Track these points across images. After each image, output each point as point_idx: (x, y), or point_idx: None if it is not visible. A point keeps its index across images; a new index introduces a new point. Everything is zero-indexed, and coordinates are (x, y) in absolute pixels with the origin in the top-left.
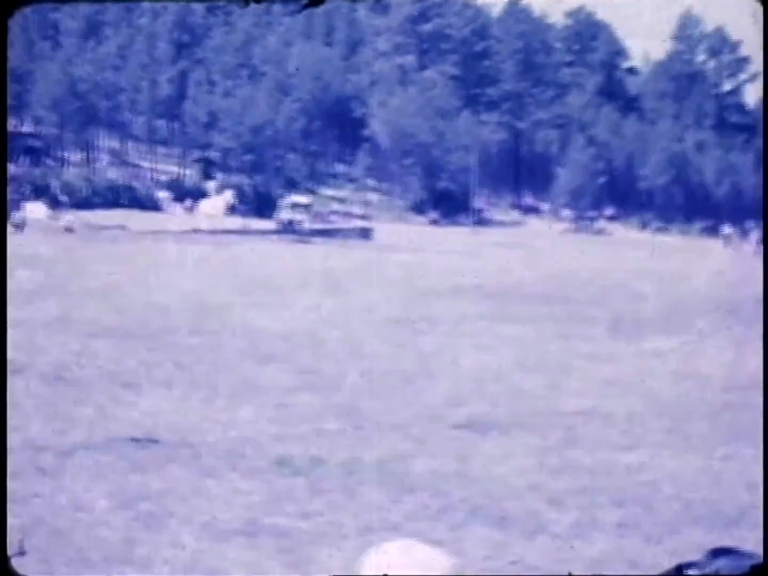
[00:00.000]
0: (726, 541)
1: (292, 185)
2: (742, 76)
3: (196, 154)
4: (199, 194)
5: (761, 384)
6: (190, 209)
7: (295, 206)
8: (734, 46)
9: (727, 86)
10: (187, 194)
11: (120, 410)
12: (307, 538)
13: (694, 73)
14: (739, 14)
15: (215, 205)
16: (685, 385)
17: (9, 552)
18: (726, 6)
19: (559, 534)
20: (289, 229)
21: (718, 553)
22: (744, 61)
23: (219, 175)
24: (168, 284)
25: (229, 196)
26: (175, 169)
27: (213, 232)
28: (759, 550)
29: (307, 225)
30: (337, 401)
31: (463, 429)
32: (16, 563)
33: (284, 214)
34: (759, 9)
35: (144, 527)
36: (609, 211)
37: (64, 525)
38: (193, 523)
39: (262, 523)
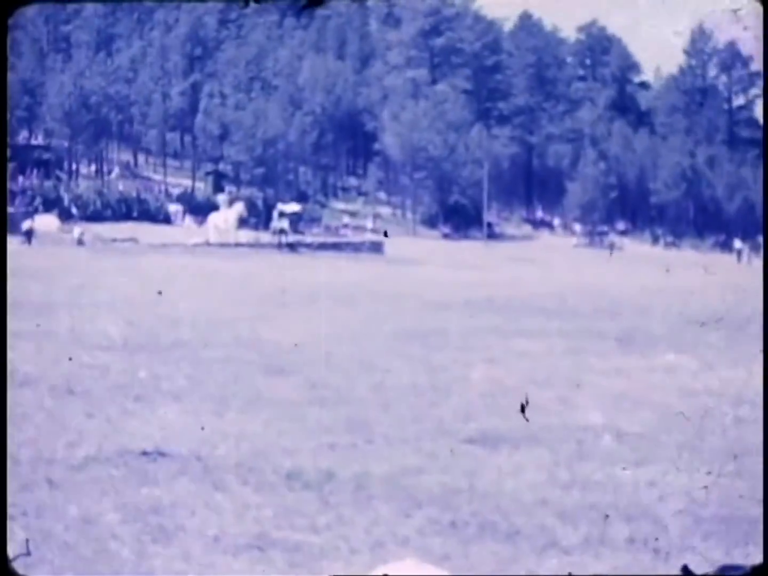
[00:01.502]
0: (736, 558)
1: (303, 198)
2: (754, 91)
3: (208, 167)
4: (211, 207)
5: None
6: (202, 222)
7: (282, 215)
8: (746, 61)
9: (738, 101)
10: (198, 207)
11: (131, 423)
12: (318, 552)
13: (706, 88)
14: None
15: (227, 217)
16: (696, 400)
17: (10, 553)
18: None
19: (569, 549)
20: (281, 240)
21: (726, 569)
22: (756, 75)
23: (230, 188)
24: (179, 297)
25: (241, 207)
26: (186, 182)
27: (224, 245)
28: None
29: (291, 237)
30: (347, 415)
31: (474, 443)
32: (21, 563)
33: (274, 223)
34: (759, 9)
35: (154, 540)
36: (620, 225)
37: (73, 538)
38: (204, 536)
39: (273, 537)
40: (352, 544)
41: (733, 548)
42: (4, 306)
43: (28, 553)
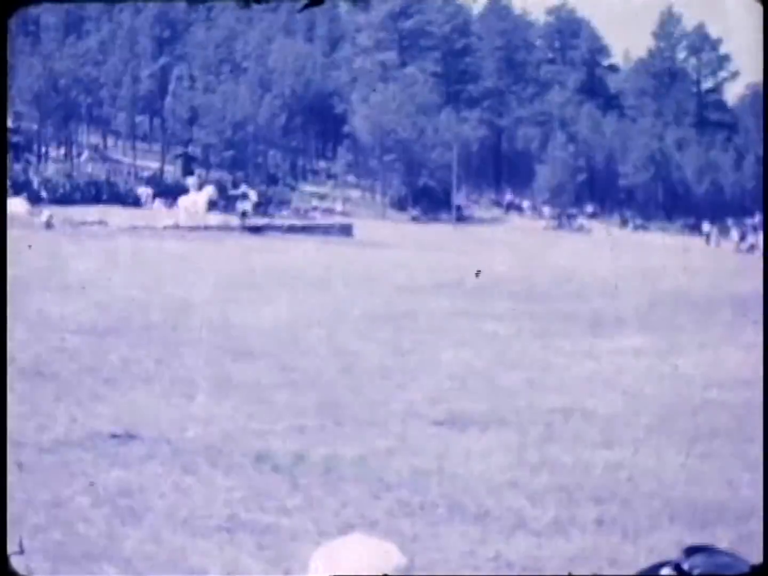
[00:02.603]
0: (704, 539)
1: (272, 181)
2: (723, 74)
3: (177, 149)
4: (180, 190)
5: (740, 381)
6: (171, 205)
7: (244, 196)
8: (715, 44)
9: (707, 84)
10: (167, 190)
11: (100, 406)
12: (287, 535)
13: (675, 71)
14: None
15: (196, 200)
16: (664, 382)
17: (9, 551)
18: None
19: (537, 531)
20: (243, 223)
21: (693, 550)
22: (725, 59)
23: (199, 171)
24: (148, 280)
25: (210, 191)
26: (155, 164)
27: (194, 228)
28: (734, 547)
29: (260, 220)
30: (317, 397)
31: (443, 425)
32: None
33: (237, 205)
34: (759, 9)
35: (123, 523)
36: (589, 208)
37: (43, 521)
38: (173, 519)
39: (242, 519)
40: (321, 527)
41: (701, 530)
42: (5, 302)
43: (22, 552)
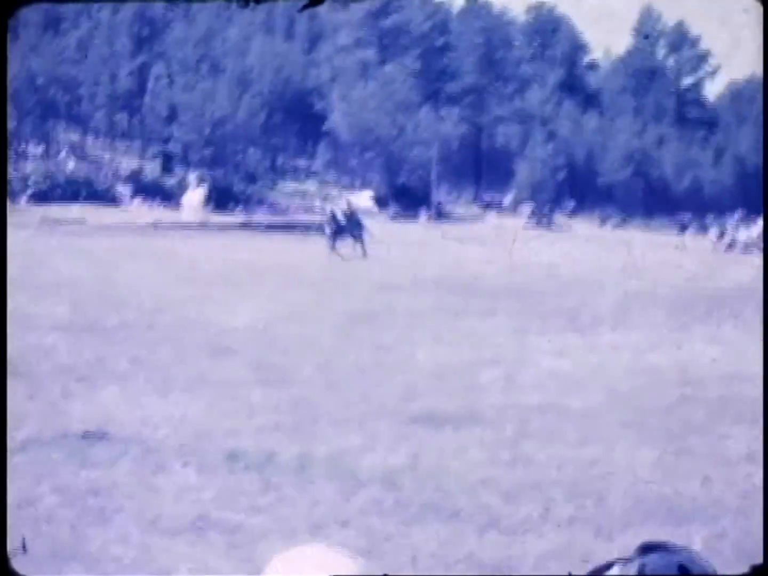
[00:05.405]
0: (678, 536)
1: (251, 179)
2: (702, 72)
3: (156, 147)
4: (158, 188)
5: (715, 379)
6: (150, 203)
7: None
8: (694, 42)
9: (686, 81)
10: (146, 188)
11: (73, 405)
12: (258, 534)
13: (655, 68)
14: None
15: (191, 199)
16: (641, 379)
17: (9, 550)
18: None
19: (510, 529)
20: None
21: (648, 548)
22: (704, 56)
23: (178, 169)
24: (125, 278)
25: (200, 191)
26: (134, 162)
27: (172, 226)
28: (709, 545)
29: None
30: (291, 395)
31: (418, 423)
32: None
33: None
34: (759, 9)
35: (92, 523)
36: (569, 205)
37: (11, 521)
38: (142, 518)
39: (212, 518)
40: (292, 526)
41: (676, 527)
42: (5, 302)
43: (25, 551)
